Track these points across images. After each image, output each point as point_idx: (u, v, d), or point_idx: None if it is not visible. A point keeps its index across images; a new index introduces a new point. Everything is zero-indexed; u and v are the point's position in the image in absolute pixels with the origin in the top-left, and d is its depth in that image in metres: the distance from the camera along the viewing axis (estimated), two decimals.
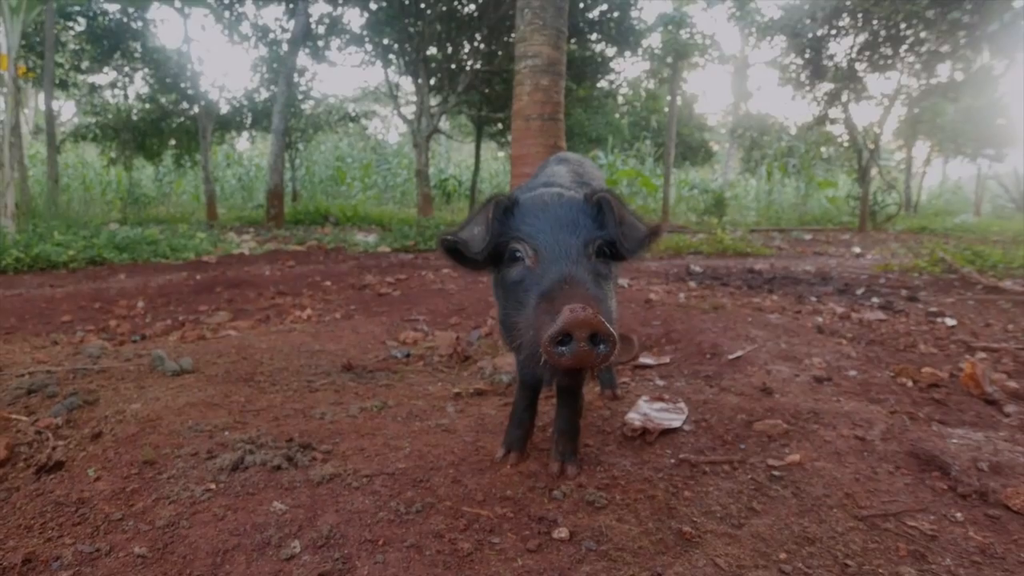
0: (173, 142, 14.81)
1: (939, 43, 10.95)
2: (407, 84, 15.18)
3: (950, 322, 3.56)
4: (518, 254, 1.31)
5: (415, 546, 1.28)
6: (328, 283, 5.01)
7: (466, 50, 12.96)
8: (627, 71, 20.05)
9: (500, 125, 14.33)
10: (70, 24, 12.43)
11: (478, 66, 12.58)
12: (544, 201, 1.37)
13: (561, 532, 1.34)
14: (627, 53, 13.51)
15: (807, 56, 12.48)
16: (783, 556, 1.28)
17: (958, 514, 1.44)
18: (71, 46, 13.24)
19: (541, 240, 1.28)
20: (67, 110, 19.91)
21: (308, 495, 1.46)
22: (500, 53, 12.47)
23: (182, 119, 14.28)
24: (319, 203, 14.82)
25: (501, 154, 21.16)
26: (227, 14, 12.86)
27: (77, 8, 11.98)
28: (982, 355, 2.83)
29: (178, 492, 1.46)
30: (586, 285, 1.18)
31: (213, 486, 1.49)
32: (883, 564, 1.26)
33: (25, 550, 1.25)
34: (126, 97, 14.41)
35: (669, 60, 13.84)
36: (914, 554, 1.29)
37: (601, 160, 16.45)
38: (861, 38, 11.88)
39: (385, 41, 12.35)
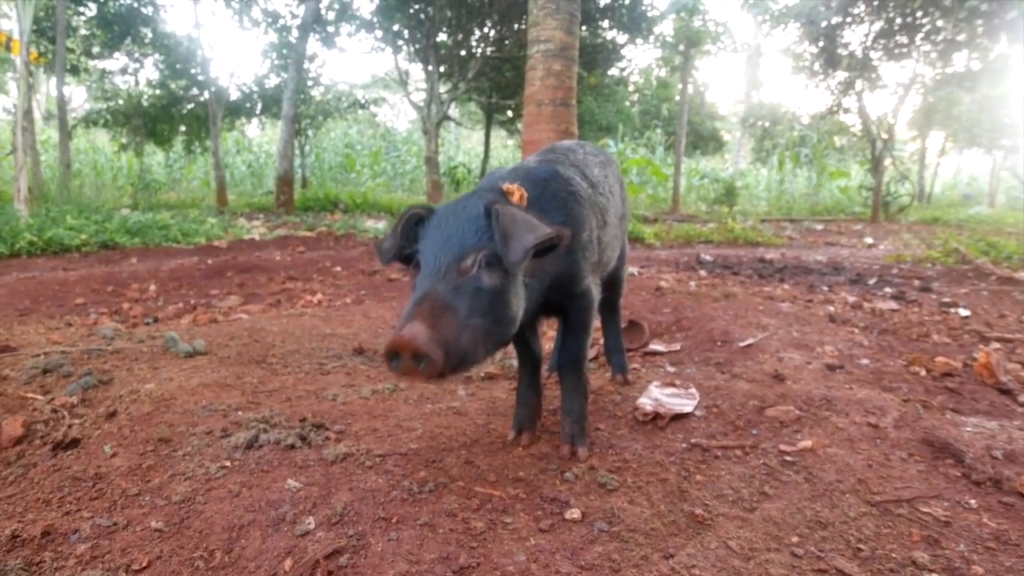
0: (183, 128, 14.80)
1: (956, 31, 10.79)
2: (417, 71, 15.12)
3: (964, 312, 3.53)
4: (417, 265, 1.38)
5: (428, 524, 1.29)
6: (338, 268, 5.03)
7: (476, 36, 12.87)
8: (638, 59, 19.88)
9: (510, 112, 14.25)
10: (81, 9, 12.40)
11: (488, 52, 12.50)
12: (447, 213, 1.39)
13: (573, 513, 1.35)
14: (638, 40, 13.38)
15: (821, 44, 12.34)
16: (795, 539, 1.28)
17: (972, 501, 1.43)
18: (82, 31, 13.22)
19: (424, 256, 1.34)
20: (78, 96, 19.93)
21: (322, 473, 1.47)
22: (510, 39, 12.38)
23: (192, 105, 14.27)
24: (328, 190, 14.78)
25: (511, 142, 21.04)
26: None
27: None
28: (996, 345, 2.81)
29: (193, 469, 1.47)
30: (439, 301, 1.22)
31: (228, 463, 1.50)
32: (896, 549, 1.26)
33: (44, 523, 1.27)
34: (137, 83, 14.41)
35: (681, 48, 13.69)
36: (927, 539, 1.29)
37: (611, 148, 16.34)
38: (876, 26, 11.73)
39: (395, 27, 12.27)
